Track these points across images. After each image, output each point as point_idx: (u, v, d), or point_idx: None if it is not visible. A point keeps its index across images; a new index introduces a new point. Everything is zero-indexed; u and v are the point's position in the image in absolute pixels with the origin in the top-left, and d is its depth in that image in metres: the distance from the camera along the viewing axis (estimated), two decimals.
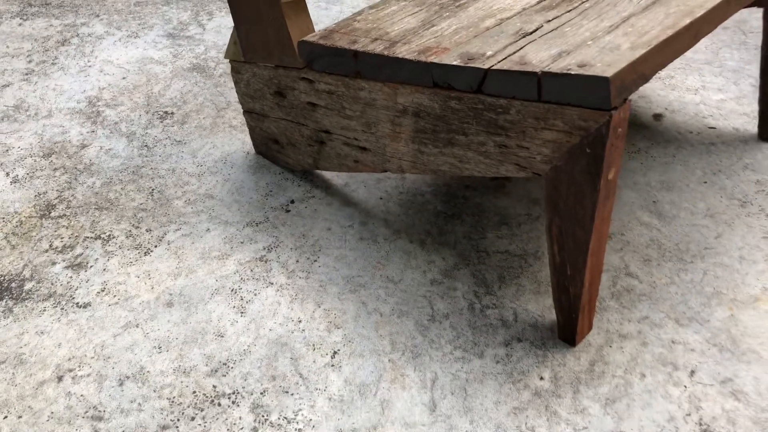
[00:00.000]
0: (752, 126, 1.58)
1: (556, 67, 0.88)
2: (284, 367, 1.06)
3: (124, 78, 1.76)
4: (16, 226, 1.33)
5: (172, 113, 1.63)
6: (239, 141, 1.55)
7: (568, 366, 1.05)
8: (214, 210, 1.36)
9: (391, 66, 1.07)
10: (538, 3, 1.14)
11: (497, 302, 1.16)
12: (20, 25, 2.02)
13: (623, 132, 0.88)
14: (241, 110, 1.65)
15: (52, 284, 1.21)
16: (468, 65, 0.96)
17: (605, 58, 0.87)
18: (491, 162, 1.02)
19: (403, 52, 1.05)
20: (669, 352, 1.07)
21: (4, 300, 1.18)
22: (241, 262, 1.25)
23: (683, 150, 1.51)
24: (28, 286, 1.21)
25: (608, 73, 0.83)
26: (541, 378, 1.04)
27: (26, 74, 1.78)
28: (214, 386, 1.04)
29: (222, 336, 1.12)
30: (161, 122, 1.60)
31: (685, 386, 1.02)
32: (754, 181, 1.41)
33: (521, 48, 0.98)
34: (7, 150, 1.53)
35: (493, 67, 0.93)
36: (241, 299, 1.18)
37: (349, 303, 1.16)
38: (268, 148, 1.46)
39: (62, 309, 1.16)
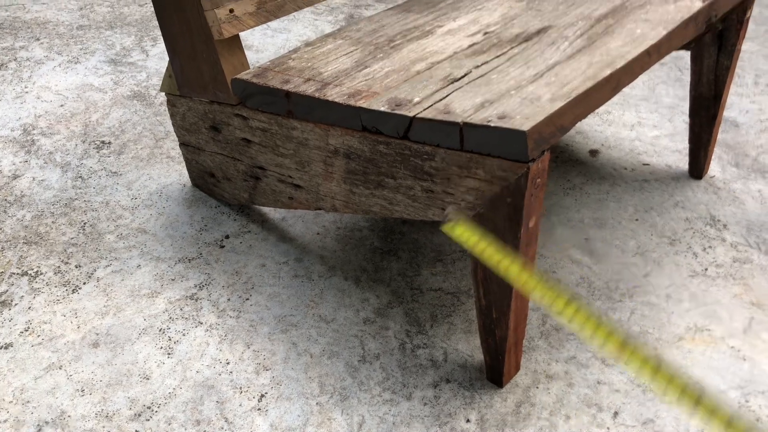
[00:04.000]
0: (684, 163, 1.63)
1: (478, 118, 0.89)
2: (210, 411, 1.05)
3: (61, 105, 1.73)
4: None
5: (110, 143, 1.61)
6: (176, 173, 1.53)
7: (495, 408, 1.06)
8: (146, 245, 1.34)
9: (322, 108, 1.07)
10: (470, 47, 1.16)
11: (428, 342, 1.17)
12: None
13: (542, 181, 0.90)
14: None
15: None
16: (395, 112, 0.97)
17: (525, 110, 0.89)
18: (419, 206, 1.03)
19: (333, 94, 1.06)
20: (594, 393, 1.09)
21: None
22: (170, 301, 1.23)
23: (617, 187, 1.54)
24: None
25: (526, 126, 0.84)
26: (468, 420, 1.04)
27: None
28: (137, 431, 1.02)
29: (148, 378, 1.09)
30: (97, 152, 1.58)
31: (608, 428, 1.03)
32: (684, 219, 1.45)
33: (447, 95, 0.99)
34: None
35: (418, 115, 0.94)
36: (169, 339, 1.16)
37: (280, 343, 1.15)
38: (205, 181, 1.45)
39: None
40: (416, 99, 1.00)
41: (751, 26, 2.29)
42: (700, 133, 1.51)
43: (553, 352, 1.15)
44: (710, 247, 1.37)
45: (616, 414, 1.05)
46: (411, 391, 1.08)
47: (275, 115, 1.16)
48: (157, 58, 2.00)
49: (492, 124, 0.86)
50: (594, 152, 1.66)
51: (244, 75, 1.19)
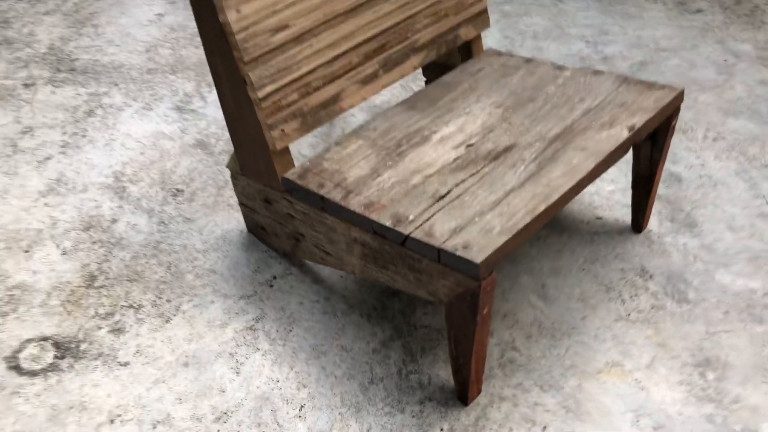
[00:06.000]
0: (630, 218, 2.05)
1: (449, 245, 1.34)
2: (266, 416, 1.54)
3: (142, 153, 2.19)
4: (69, 294, 1.78)
5: (182, 191, 2.07)
6: (235, 220, 2.00)
7: (461, 421, 1.54)
8: (216, 284, 1.82)
9: (346, 212, 1.52)
10: (454, 161, 1.59)
11: (418, 369, 1.65)
12: (53, 93, 2.42)
13: (492, 288, 1.35)
14: None
15: (99, 346, 1.67)
16: (395, 228, 1.42)
17: (481, 241, 1.33)
18: (412, 286, 1.49)
19: (354, 204, 1.50)
20: (531, 412, 1.56)
21: (67, 358, 1.64)
22: (236, 330, 1.71)
23: (573, 239, 1.98)
24: (82, 347, 1.67)
25: (479, 258, 1.29)
26: (441, 429, 1.53)
27: (62, 147, 2.21)
28: (218, 430, 1.52)
29: (224, 391, 1.59)
30: (174, 199, 2.05)
31: None
32: (620, 269, 1.89)
33: (432, 215, 1.43)
34: (54, 223, 1.97)
35: (411, 234, 1.39)
36: (236, 362, 1.65)
37: (313, 367, 1.64)
38: (258, 231, 1.92)
39: (109, 367, 1.63)
40: (411, 216, 1.44)
41: (710, 74, 2.65)
42: (639, 200, 1.93)
43: (506, 379, 1.63)
44: (636, 295, 1.82)
45: (545, 427, 1.53)
46: (404, 406, 1.57)
47: (312, 207, 1.61)
48: (214, 106, 2.44)
49: (458, 254, 1.31)
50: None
51: (290, 175, 1.63)
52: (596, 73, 1.86)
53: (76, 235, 1.94)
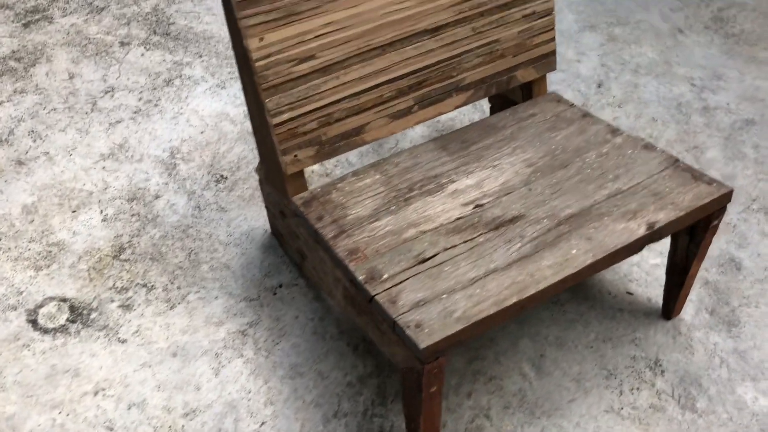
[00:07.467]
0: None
1: (403, 320, 1.32)
2: (228, 424, 1.62)
3: (202, 132, 2.29)
4: (97, 261, 1.94)
5: (226, 178, 2.16)
6: (263, 218, 2.06)
7: None
8: (226, 280, 1.90)
9: (332, 252, 1.52)
10: (455, 221, 1.54)
11: (384, 413, 1.65)
12: (142, 55, 2.56)
13: (440, 371, 1.32)
14: None
15: (107, 318, 1.81)
16: (365, 286, 1.41)
17: (435, 324, 1.30)
18: (378, 341, 1.48)
19: (340, 247, 1.51)
20: None
21: (77, 323, 1.80)
22: (229, 332, 1.79)
23: (593, 310, 1.87)
24: (93, 315, 1.82)
25: (424, 343, 1.27)
26: None
27: (134, 112, 2.35)
28: (183, 426, 1.62)
29: (198, 389, 1.68)
30: (216, 185, 2.14)
31: None
32: (630, 356, 1.77)
33: (406, 279, 1.41)
34: (105, 188, 2.12)
35: (375, 296, 1.38)
36: (219, 363, 1.73)
37: (287, 386, 1.69)
38: (277, 236, 1.97)
39: (109, 340, 1.77)
40: (386, 275, 1.43)
41: None
42: (671, 287, 1.78)
43: None
44: (638, 388, 1.70)
45: None
46: None
47: (310, 235, 1.63)
48: None
49: (407, 332, 1.29)
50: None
51: (297, 200, 1.65)
52: (647, 147, 1.71)
53: (119, 204, 2.08)
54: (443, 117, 2.39)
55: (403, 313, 1.35)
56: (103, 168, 2.18)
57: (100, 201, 2.10)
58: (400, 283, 1.41)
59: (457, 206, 1.59)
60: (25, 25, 2.68)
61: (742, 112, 2.48)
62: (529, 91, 1.96)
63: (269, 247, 1.99)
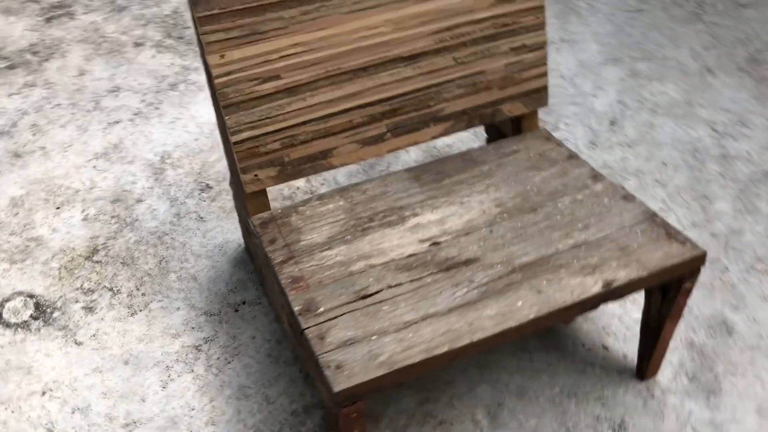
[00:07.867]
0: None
1: (325, 359, 1.27)
2: None
3: (196, 140, 2.29)
4: (69, 260, 1.95)
5: (211, 187, 2.15)
6: (239, 232, 2.03)
7: None
8: (190, 292, 1.89)
9: (276, 278, 1.48)
10: (407, 257, 1.48)
11: None
12: (153, 57, 2.59)
13: (359, 416, 1.26)
14: None
15: (68, 319, 1.82)
16: (298, 317, 1.36)
17: (356, 367, 1.24)
18: (312, 374, 1.43)
19: (285, 273, 1.46)
20: None
21: (39, 320, 1.81)
22: (184, 345, 1.77)
23: (563, 362, 1.77)
24: (55, 314, 1.83)
25: (339, 386, 1.21)
26: None
27: (135, 114, 2.37)
28: None
29: (144, 401, 1.67)
30: (199, 194, 2.13)
31: None
32: (594, 416, 1.67)
33: (341, 315, 1.35)
34: (92, 187, 2.14)
35: (305, 331, 1.33)
36: (168, 376, 1.71)
37: (231, 407, 1.66)
38: (249, 252, 1.94)
39: (66, 341, 1.77)
40: (321, 309, 1.38)
41: None
42: (644, 347, 1.67)
43: None
44: None
45: None
46: None
47: (264, 256, 1.60)
48: None
49: (325, 372, 1.24)
50: (569, 320, 1.86)
51: (255, 219, 1.62)
52: (626, 197, 1.61)
53: (102, 205, 2.10)
54: (439, 143, 2.32)
55: (327, 351, 1.29)
56: (94, 167, 2.20)
57: (84, 200, 2.12)
58: (334, 318, 1.36)
59: (413, 242, 1.53)
60: (48, 20, 2.75)
61: (763, 163, 2.32)
62: (519, 125, 1.88)
63: (240, 262, 1.97)
